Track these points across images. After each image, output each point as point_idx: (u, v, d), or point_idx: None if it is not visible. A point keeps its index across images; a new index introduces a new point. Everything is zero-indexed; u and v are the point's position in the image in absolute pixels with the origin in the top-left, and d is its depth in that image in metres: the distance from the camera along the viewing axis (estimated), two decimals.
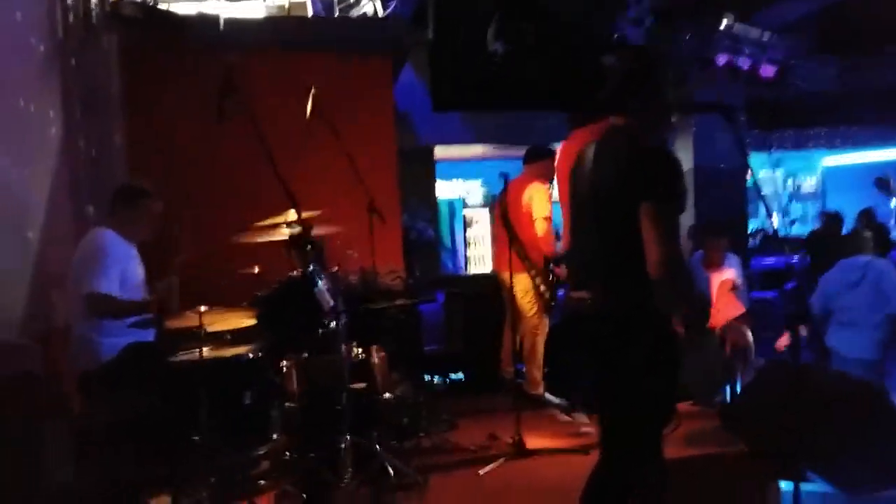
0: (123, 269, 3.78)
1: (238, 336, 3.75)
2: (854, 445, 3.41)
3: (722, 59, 7.99)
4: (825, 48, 8.87)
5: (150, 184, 4.10)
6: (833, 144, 10.18)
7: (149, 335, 3.75)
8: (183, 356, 3.52)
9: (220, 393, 3.39)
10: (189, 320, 3.46)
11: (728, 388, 5.23)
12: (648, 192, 2.51)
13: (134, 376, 3.61)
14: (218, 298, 3.73)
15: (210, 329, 3.57)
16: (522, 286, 4.85)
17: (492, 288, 5.30)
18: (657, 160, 2.61)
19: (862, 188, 10.89)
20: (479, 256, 8.83)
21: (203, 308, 3.47)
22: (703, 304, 4.08)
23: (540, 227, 4.90)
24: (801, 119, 9.51)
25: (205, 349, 3.52)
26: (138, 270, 3.98)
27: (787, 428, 3.24)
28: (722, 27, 7.83)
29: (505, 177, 4.68)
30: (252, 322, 3.71)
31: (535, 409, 4.83)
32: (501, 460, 3.95)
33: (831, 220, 7.89)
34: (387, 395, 3.69)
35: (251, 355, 3.59)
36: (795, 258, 6.26)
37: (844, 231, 7.50)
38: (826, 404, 3.49)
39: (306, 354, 3.61)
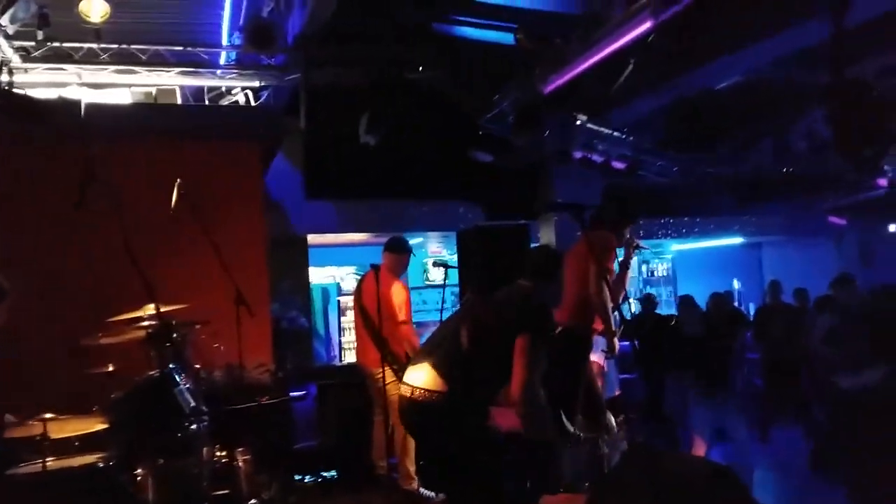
0: None
1: (87, 443, 3.50)
2: None
3: (578, 154, 8.61)
4: (669, 144, 9.75)
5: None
6: (680, 233, 11.09)
7: None
8: (24, 468, 3.23)
9: None
10: (32, 428, 3.20)
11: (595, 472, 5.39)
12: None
13: None
14: (66, 401, 3.49)
15: (55, 436, 3.32)
16: (389, 378, 4.84)
17: (364, 379, 5.25)
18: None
19: (709, 272, 11.89)
20: (355, 344, 8.76)
21: (48, 415, 3.23)
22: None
23: (402, 329, 4.95)
24: (652, 209, 10.31)
25: (49, 459, 3.26)
26: None
27: None
28: (577, 124, 8.47)
29: (374, 268, 4.71)
30: (103, 426, 3.48)
31: None
32: None
33: (645, 303, 8.70)
34: (252, 500, 3.53)
35: (101, 464, 3.34)
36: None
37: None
38: (680, 488, 3.67)
39: (162, 460, 3.40)
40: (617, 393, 5.92)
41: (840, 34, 4.27)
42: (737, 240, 12.12)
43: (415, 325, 5.28)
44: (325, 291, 9.71)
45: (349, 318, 9.39)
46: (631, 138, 8.68)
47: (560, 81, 6.72)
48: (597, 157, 8.35)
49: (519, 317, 3.28)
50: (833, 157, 10.21)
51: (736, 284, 11.86)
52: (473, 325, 3.29)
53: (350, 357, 8.92)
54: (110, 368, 3.84)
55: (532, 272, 3.62)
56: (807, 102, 9.28)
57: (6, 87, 5.26)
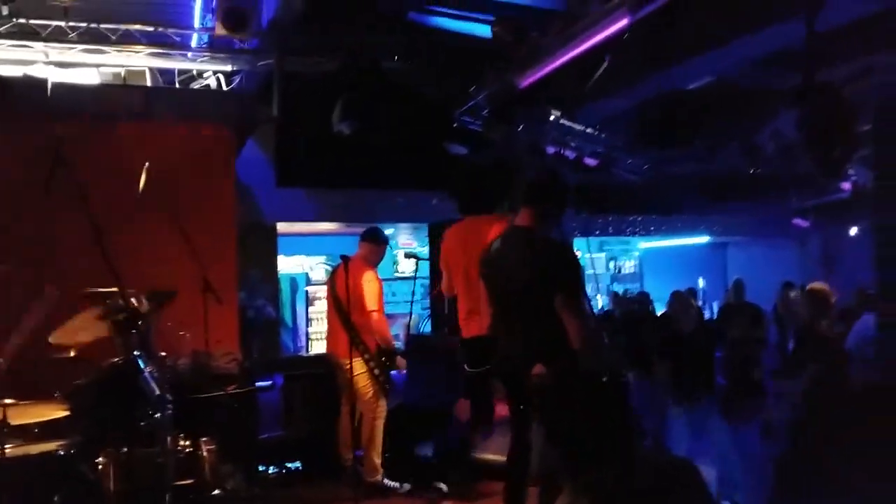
0: None
1: (47, 430, 3.42)
2: None
3: (551, 149, 8.63)
4: (640, 141, 9.82)
5: None
6: (648, 231, 11.24)
7: None
8: None
9: (25, 495, 3.05)
10: None
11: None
12: (561, 285, 3.23)
13: None
14: (28, 387, 3.41)
15: (15, 422, 3.24)
16: (359, 368, 4.83)
17: (332, 369, 5.23)
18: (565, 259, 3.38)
19: (675, 270, 12.06)
20: (322, 334, 8.72)
21: (7, 400, 3.15)
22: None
23: (373, 319, 4.92)
24: (620, 206, 10.42)
25: (8, 446, 3.18)
26: None
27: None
28: (551, 119, 8.48)
29: (344, 259, 4.69)
30: (64, 413, 3.41)
31: (374, 498, 4.75)
32: None
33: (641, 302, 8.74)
34: (216, 490, 3.48)
35: (61, 451, 3.27)
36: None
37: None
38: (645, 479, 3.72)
39: (126, 449, 3.34)
40: None
41: (812, 38, 4.35)
42: (703, 239, 12.32)
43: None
44: (293, 281, 9.64)
45: (317, 309, 9.35)
46: (603, 135, 8.73)
47: (536, 76, 6.72)
48: (569, 153, 8.39)
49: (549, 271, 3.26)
50: (800, 159, 10.42)
51: (701, 283, 12.06)
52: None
53: (317, 348, 8.88)
54: (72, 354, 3.76)
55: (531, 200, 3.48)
56: (776, 104, 9.44)
57: None
